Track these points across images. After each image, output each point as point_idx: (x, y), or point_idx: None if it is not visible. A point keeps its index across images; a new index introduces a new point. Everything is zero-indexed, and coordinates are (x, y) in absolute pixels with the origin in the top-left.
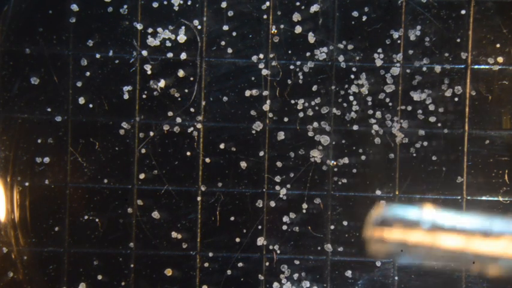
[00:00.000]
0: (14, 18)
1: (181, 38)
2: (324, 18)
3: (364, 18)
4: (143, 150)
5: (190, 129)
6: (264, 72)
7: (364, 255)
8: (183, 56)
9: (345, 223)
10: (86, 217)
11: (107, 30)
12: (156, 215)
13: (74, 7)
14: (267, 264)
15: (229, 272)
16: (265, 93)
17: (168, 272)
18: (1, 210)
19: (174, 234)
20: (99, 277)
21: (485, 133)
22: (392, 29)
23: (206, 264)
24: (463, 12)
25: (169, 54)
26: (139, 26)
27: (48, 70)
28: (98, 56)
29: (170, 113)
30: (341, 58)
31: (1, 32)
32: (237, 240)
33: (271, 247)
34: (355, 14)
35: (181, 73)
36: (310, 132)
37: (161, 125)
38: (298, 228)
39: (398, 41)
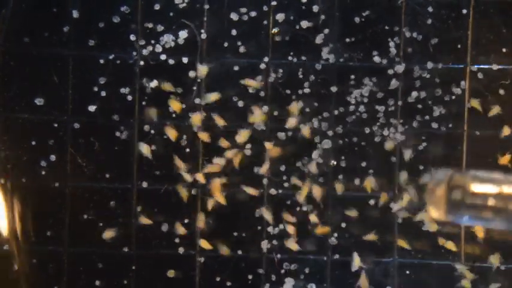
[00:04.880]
0: (14, 18)
1: (182, 38)
2: (324, 19)
3: (364, 18)
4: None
5: (190, 129)
6: (264, 72)
7: (364, 255)
8: (183, 56)
9: (345, 223)
10: (85, 217)
11: (107, 30)
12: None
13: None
14: (267, 264)
15: (229, 272)
16: (265, 93)
17: (171, 273)
18: (1, 211)
19: (174, 234)
20: (99, 277)
21: (485, 133)
22: (392, 29)
23: (206, 264)
24: (463, 12)
25: (169, 55)
26: (139, 26)
27: (48, 70)
28: (98, 56)
29: (170, 113)
30: (341, 58)
31: (1, 32)
32: (237, 240)
33: (271, 247)
34: (355, 14)
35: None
36: (311, 132)
37: (161, 125)
38: (299, 228)
39: (398, 41)
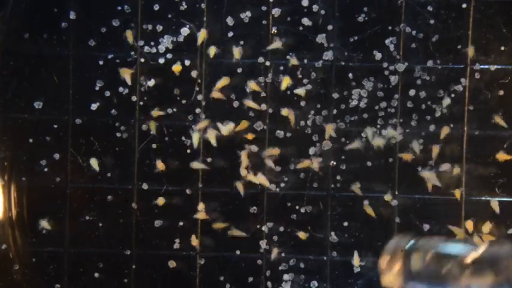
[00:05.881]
0: (14, 18)
1: (181, 38)
2: (324, 19)
3: (364, 18)
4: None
5: (190, 129)
6: (264, 72)
7: (363, 255)
8: (183, 56)
9: (345, 223)
10: (86, 217)
11: (107, 30)
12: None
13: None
14: (267, 264)
15: (229, 272)
16: (265, 93)
17: (171, 263)
18: (1, 211)
19: (174, 235)
20: (99, 277)
21: (485, 133)
22: (392, 28)
23: (206, 265)
24: (462, 11)
25: (169, 55)
26: (139, 26)
27: (48, 70)
28: (97, 56)
29: (170, 113)
30: (341, 58)
31: (1, 32)
32: (237, 240)
33: (271, 247)
34: (355, 14)
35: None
36: (310, 132)
37: (161, 125)
38: (298, 228)
39: (398, 41)
